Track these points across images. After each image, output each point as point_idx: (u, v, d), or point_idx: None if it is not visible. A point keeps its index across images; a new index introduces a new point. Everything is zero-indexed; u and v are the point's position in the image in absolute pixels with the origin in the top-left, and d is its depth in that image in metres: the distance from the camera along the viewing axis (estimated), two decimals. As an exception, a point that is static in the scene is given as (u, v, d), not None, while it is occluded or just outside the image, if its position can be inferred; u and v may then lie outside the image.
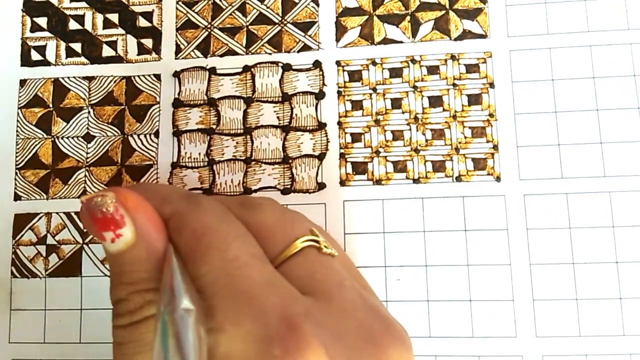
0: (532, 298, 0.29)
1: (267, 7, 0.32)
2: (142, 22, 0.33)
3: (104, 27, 0.33)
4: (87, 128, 0.32)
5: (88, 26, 0.33)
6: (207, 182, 0.31)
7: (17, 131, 0.32)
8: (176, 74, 0.32)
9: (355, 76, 0.31)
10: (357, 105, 0.31)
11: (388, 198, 0.30)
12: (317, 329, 0.18)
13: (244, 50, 0.32)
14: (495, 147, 0.30)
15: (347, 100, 0.31)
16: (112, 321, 0.20)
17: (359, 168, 0.31)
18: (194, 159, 0.31)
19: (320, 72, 0.32)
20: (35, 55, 0.33)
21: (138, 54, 0.33)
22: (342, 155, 0.31)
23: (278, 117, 0.31)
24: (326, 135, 0.31)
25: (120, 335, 0.20)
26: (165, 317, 0.18)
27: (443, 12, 0.32)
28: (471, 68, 0.31)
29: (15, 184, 0.32)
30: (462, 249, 0.29)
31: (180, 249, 0.20)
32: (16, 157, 0.32)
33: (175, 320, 0.18)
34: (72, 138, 0.32)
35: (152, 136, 0.32)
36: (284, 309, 0.18)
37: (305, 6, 0.32)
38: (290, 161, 0.31)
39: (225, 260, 0.19)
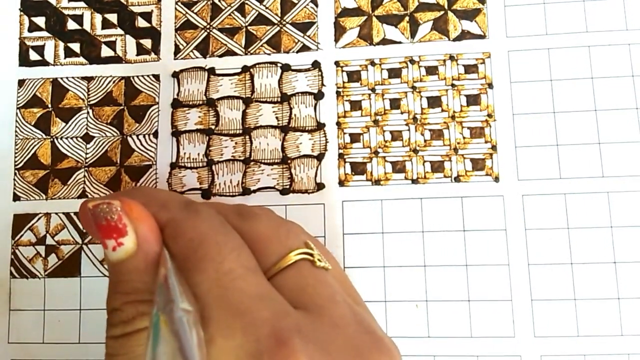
0: (530, 298, 0.29)
1: (266, 8, 0.32)
2: (141, 23, 0.33)
3: (103, 27, 0.33)
4: (86, 128, 0.32)
5: (87, 26, 0.33)
6: (206, 182, 0.31)
7: (15, 132, 0.32)
8: (175, 75, 0.32)
9: (354, 76, 0.31)
10: (356, 105, 0.31)
11: (387, 198, 0.30)
12: (306, 344, 0.18)
13: (243, 50, 0.32)
14: (494, 147, 0.30)
15: (346, 100, 0.31)
16: (106, 331, 0.20)
17: (358, 168, 0.31)
18: (193, 159, 0.31)
19: (319, 73, 0.32)
20: (33, 55, 0.33)
21: (137, 54, 0.33)
22: (341, 156, 0.31)
23: (277, 118, 0.31)
24: (325, 136, 0.31)
25: (112, 346, 0.20)
26: (162, 318, 0.18)
27: (442, 12, 0.32)
28: (470, 68, 0.31)
29: (14, 185, 0.32)
30: (461, 249, 0.29)
31: (175, 257, 0.20)
32: (15, 157, 0.32)
33: (174, 320, 0.18)
34: (71, 138, 0.32)
35: (151, 136, 0.32)
36: (275, 323, 0.19)
37: (304, 7, 0.32)
38: (289, 161, 0.31)
39: (220, 272, 0.20)
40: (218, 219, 0.22)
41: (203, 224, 0.21)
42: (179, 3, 0.33)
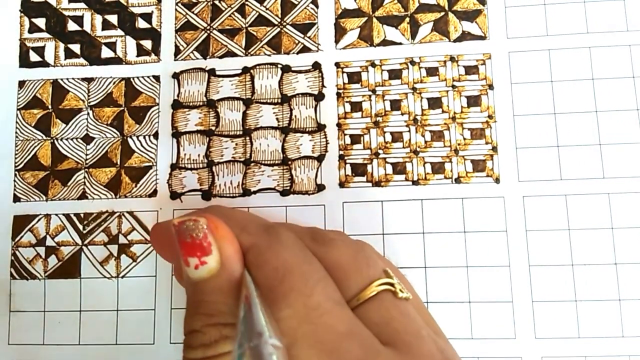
0: (531, 299, 0.29)
1: (267, 9, 0.32)
2: (142, 24, 0.33)
3: (103, 29, 0.33)
4: (87, 129, 0.32)
5: (87, 27, 0.33)
6: (207, 183, 0.31)
7: (16, 133, 0.32)
8: (175, 76, 0.32)
9: (354, 78, 0.31)
10: (356, 106, 0.31)
11: (387, 200, 0.30)
12: None
13: (243, 51, 0.32)
14: (495, 148, 0.30)
15: (347, 101, 0.31)
16: (184, 352, 0.20)
17: (359, 169, 0.31)
18: (193, 160, 0.31)
19: (320, 74, 0.32)
20: (33, 57, 0.33)
21: (137, 55, 0.33)
22: (341, 157, 0.31)
23: (277, 119, 0.31)
24: (325, 137, 0.31)
25: None
26: (249, 353, 0.17)
27: (442, 13, 0.32)
28: (470, 69, 0.31)
29: (15, 186, 0.32)
30: (462, 250, 0.29)
31: (258, 285, 0.20)
32: (15, 158, 0.32)
33: (263, 355, 0.16)
34: (72, 139, 0.32)
35: (152, 137, 0.32)
36: None
37: (305, 8, 0.32)
38: (289, 163, 0.31)
39: (308, 307, 0.19)
40: (300, 245, 0.21)
41: (287, 252, 0.20)
42: (179, 4, 0.33)
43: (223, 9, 0.33)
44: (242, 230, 0.21)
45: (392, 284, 0.21)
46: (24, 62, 0.33)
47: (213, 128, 0.31)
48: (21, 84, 0.33)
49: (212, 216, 0.21)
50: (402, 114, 0.31)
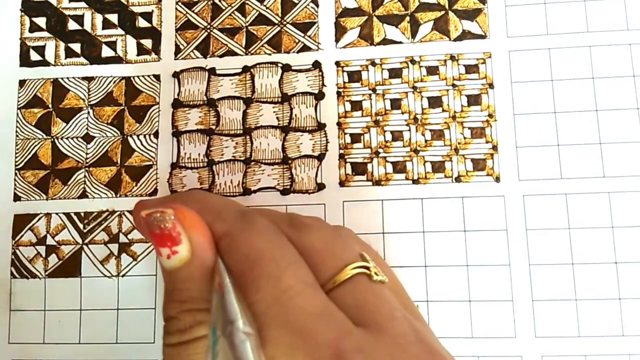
0: (531, 298, 0.29)
1: (267, 8, 0.32)
2: (142, 23, 0.33)
3: (104, 28, 0.33)
4: (87, 128, 0.32)
5: (87, 26, 0.33)
6: (207, 182, 0.31)
7: (16, 132, 0.32)
8: (176, 75, 0.32)
9: (354, 77, 0.31)
10: (356, 105, 0.31)
11: (387, 199, 0.30)
12: None
13: (244, 50, 0.32)
14: (495, 147, 0.30)
15: (347, 100, 0.31)
16: (163, 338, 0.20)
17: (359, 168, 0.31)
18: (194, 159, 0.31)
19: (320, 73, 0.32)
20: (34, 56, 0.33)
21: (137, 55, 0.33)
22: (341, 156, 0.31)
23: (277, 118, 0.31)
24: (326, 136, 0.31)
25: (169, 354, 0.20)
26: (223, 340, 0.17)
27: (442, 12, 0.32)
28: (470, 68, 0.31)
29: (15, 185, 0.32)
30: (462, 249, 0.29)
31: (231, 271, 0.20)
32: (16, 157, 0.32)
33: (235, 343, 0.17)
34: (72, 138, 0.32)
35: (152, 137, 0.32)
36: (337, 343, 0.18)
37: (305, 7, 0.32)
38: (289, 162, 0.31)
39: (279, 289, 0.19)
40: (273, 230, 0.21)
41: (259, 238, 0.21)
42: (180, 3, 0.33)
43: (223, 8, 0.33)
44: (216, 217, 0.21)
45: (367, 267, 0.21)
46: (25, 61, 0.33)
47: (213, 127, 0.32)
48: (22, 83, 0.33)
49: (180, 205, 0.21)
50: (403, 113, 0.31)
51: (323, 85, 0.31)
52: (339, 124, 0.31)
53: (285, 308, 0.19)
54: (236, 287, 0.19)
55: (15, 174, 0.32)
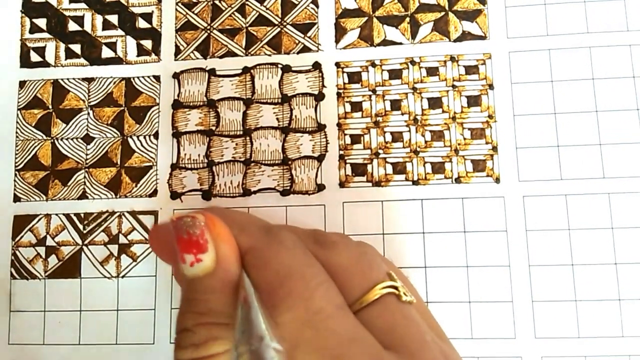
0: (531, 299, 0.29)
1: (267, 9, 0.32)
2: (142, 24, 0.33)
3: (104, 29, 0.33)
4: (87, 129, 0.32)
5: (87, 27, 0.33)
6: (207, 183, 0.31)
7: (16, 132, 0.32)
8: (176, 75, 0.32)
9: (354, 78, 0.31)
10: (356, 106, 0.31)
11: (387, 200, 0.30)
12: None
13: (244, 51, 0.32)
14: (495, 148, 0.30)
15: (347, 101, 0.31)
16: (174, 352, 0.19)
17: (359, 169, 0.31)
18: (194, 160, 0.31)
19: (320, 74, 0.32)
20: (34, 57, 0.33)
21: (137, 55, 0.33)
22: (341, 157, 0.31)
23: (277, 119, 0.31)
24: (326, 137, 0.31)
25: None
26: (248, 356, 0.17)
27: (442, 13, 0.32)
28: (470, 69, 0.31)
29: (15, 186, 0.32)
30: (462, 250, 0.29)
31: (258, 288, 0.19)
32: (15, 158, 0.32)
33: None
34: (72, 139, 0.32)
35: (152, 137, 0.32)
36: None
37: (305, 7, 0.32)
38: (289, 162, 0.31)
39: (310, 311, 0.19)
40: (301, 248, 0.21)
41: (287, 254, 0.20)
42: (180, 4, 0.33)
43: (223, 8, 0.33)
44: (242, 231, 0.21)
45: (395, 287, 0.21)
46: (25, 62, 0.33)
47: (213, 128, 0.32)
48: (22, 84, 0.33)
49: (210, 214, 0.20)
50: (402, 114, 0.31)
51: (323, 86, 0.31)
52: (339, 125, 0.31)
53: (318, 331, 0.18)
54: (262, 304, 0.19)
55: (15, 174, 0.32)
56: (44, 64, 0.33)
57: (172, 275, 0.30)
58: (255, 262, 0.20)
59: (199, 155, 0.31)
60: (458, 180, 0.30)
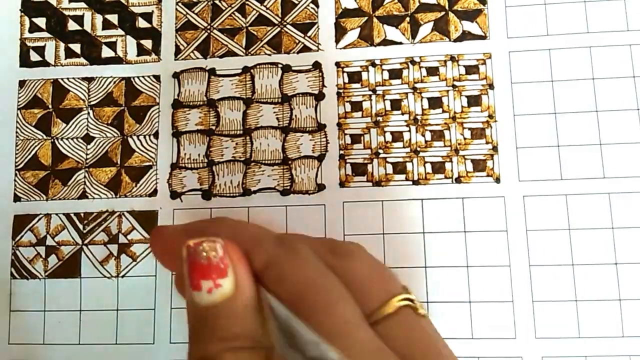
0: (531, 299, 0.29)
1: (267, 8, 0.32)
2: (142, 23, 0.33)
3: (104, 28, 0.33)
4: (87, 129, 0.32)
5: (87, 27, 0.33)
6: (207, 183, 0.31)
7: (16, 132, 0.32)
8: (176, 75, 0.32)
9: (354, 77, 0.31)
10: (356, 106, 0.31)
11: (387, 199, 0.30)
12: None
13: (244, 51, 0.32)
14: (495, 148, 0.30)
15: (347, 101, 0.31)
16: None
17: (359, 169, 0.31)
18: (194, 159, 0.31)
19: (320, 74, 0.32)
20: (34, 56, 0.33)
21: (137, 55, 0.33)
22: (341, 157, 0.31)
23: (278, 118, 0.31)
24: (326, 137, 0.31)
25: None
26: None
27: (442, 13, 0.32)
28: (471, 69, 0.31)
29: (15, 185, 0.32)
30: (462, 250, 0.29)
31: (281, 302, 0.19)
32: (16, 158, 0.32)
33: None
34: (72, 139, 0.32)
35: (152, 137, 0.32)
36: None
37: (305, 7, 0.32)
38: (289, 162, 0.31)
39: (340, 321, 0.18)
40: (317, 259, 0.20)
41: (307, 267, 0.20)
42: (180, 4, 0.33)
43: (223, 8, 0.33)
44: (256, 245, 0.20)
45: (412, 300, 0.20)
46: (25, 61, 0.33)
47: (213, 128, 0.32)
48: (21, 83, 0.33)
49: (226, 238, 0.20)
50: (403, 114, 0.31)
51: (323, 85, 0.31)
52: (339, 124, 0.31)
53: (349, 342, 0.18)
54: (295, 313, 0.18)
55: (15, 174, 0.32)
56: (44, 63, 0.33)
57: (172, 275, 0.30)
58: (276, 277, 0.20)
59: (199, 154, 0.31)
60: (458, 180, 0.30)
